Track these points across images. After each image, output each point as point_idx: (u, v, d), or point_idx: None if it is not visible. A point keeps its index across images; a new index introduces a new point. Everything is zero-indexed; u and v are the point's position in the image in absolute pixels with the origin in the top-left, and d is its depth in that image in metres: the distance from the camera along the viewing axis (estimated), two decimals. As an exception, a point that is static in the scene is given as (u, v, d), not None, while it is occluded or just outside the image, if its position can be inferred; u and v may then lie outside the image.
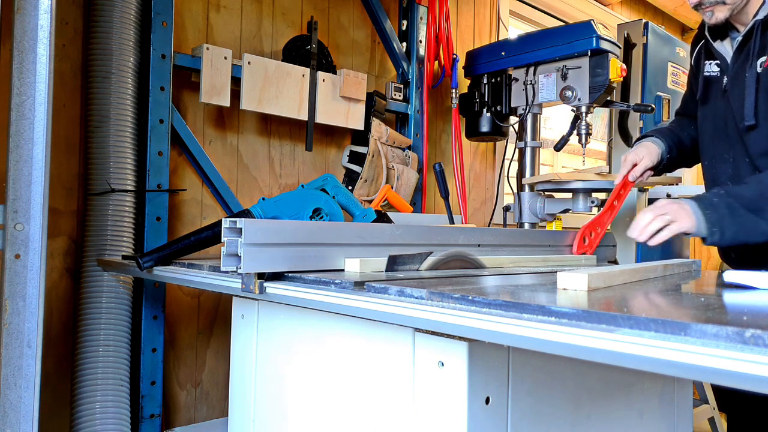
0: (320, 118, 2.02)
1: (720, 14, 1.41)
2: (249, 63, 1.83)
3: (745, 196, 1.23)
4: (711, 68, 1.52)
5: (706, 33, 1.51)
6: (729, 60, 1.46)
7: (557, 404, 0.94)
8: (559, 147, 2.06)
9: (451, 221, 1.81)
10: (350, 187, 2.14)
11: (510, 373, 0.85)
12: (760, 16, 1.38)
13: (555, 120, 3.56)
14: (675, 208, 1.24)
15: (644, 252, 2.15)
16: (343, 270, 1.07)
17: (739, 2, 1.40)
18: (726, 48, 1.49)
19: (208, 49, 1.75)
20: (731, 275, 0.92)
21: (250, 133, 2.00)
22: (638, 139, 1.69)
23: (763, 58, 1.36)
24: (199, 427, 1.82)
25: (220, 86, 1.78)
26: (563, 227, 2.09)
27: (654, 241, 1.24)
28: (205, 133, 1.88)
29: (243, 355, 1.19)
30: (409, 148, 2.31)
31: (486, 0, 2.89)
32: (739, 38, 1.42)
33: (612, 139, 2.54)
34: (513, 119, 2.28)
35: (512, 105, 2.23)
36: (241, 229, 0.94)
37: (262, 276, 0.97)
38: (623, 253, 2.08)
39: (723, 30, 1.49)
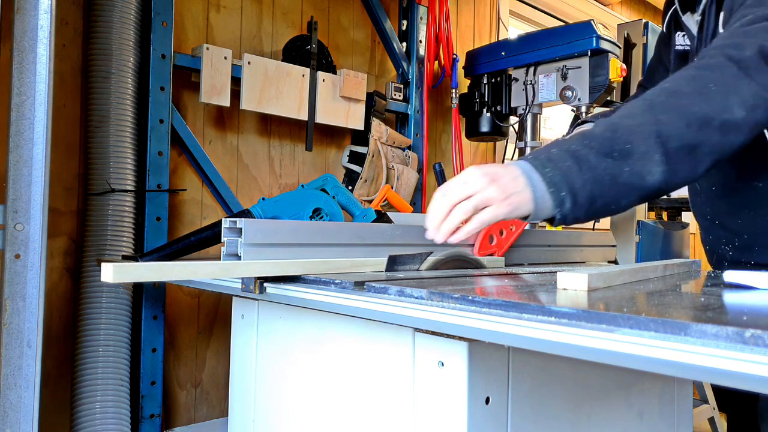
0: (320, 118, 2.02)
1: None
2: (249, 63, 1.83)
3: (596, 134, 0.86)
4: (681, 41, 1.35)
5: (677, 3, 1.34)
6: (695, 37, 1.29)
7: (557, 404, 0.94)
8: (558, 147, 2.05)
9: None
10: (350, 187, 2.14)
11: (510, 374, 0.85)
12: None
13: (555, 120, 3.56)
14: (486, 183, 0.83)
15: (644, 252, 2.15)
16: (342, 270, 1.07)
17: None
18: (695, 21, 1.32)
19: (208, 49, 1.75)
20: (731, 275, 0.92)
21: (250, 133, 2.00)
22: (577, 125, 1.49)
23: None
24: (199, 427, 1.82)
25: (220, 86, 1.78)
26: (563, 227, 2.09)
27: (456, 238, 0.86)
28: (205, 133, 1.88)
29: (243, 355, 1.18)
30: (409, 148, 2.31)
31: (486, 0, 2.89)
32: (698, 18, 1.26)
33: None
34: (513, 119, 2.28)
35: (512, 105, 2.23)
36: (241, 229, 0.94)
37: (261, 276, 0.97)
38: (623, 253, 2.08)
39: (691, 2, 1.30)
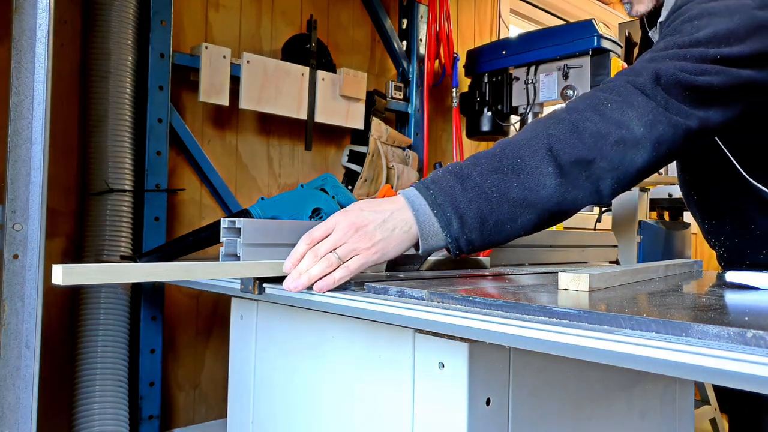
0: (320, 118, 2.01)
1: (641, 6, 1.20)
2: (248, 62, 1.83)
3: (485, 152, 0.84)
4: None
5: (644, 18, 1.30)
6: None
7: (558, 405, 0.93)
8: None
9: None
10: (350, 187, 2.14)
11: (511, 375, 0.85)
12: (662, 17, 1.16)
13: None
14: (350, 233, 0.80)
15: (646, 252, 2.14)
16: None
17: None
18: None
19: (207, 48, 1.75)
20: (733, 275, 0.91)
21: (249, 132, 1.99)
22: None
23: None
24: (198, 428, 1.82)
25: (219, 85, 1.78)
26: (564, 227, 2.08)
27: (323, 288, 0.81)
28: (203, 133, 1.88)
29: (242, 356, 1.18)
30: (409, 147, 2.31)
31: (486, -1, 2.89)
32: (656, 37, 1.23)
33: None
34: (514, 118, 2.27)
35: (513, 104, 2.22)
36: (239, 229, 0.93)
37: (260, 276, 0.97)
38: (625, 253, 2.07)
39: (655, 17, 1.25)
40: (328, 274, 0.81)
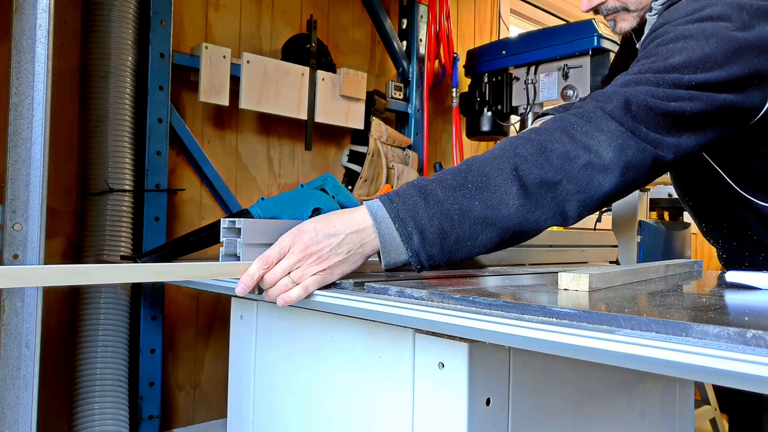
0: (320, 118, 2.01)
1: (625, 24, 1.15)
2: (248, 62, 1.83)
3: (452, 169, 0.85)
4: None
5: (633, 35, 1.27)
6: None
7: (558, 405, 0.93)
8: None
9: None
10: (350, 187, 2.14)
11: (511, 375, 0.85)
12: (644, 35, 1.12)
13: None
14: (302, 256, 0.81)
15: (646, 252, 2.14)
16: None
17: (647, 7, 1.11)
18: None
19: (207, 48, 1.75)
20: (733, 275, 0.91)
21: (249, 132, 1.99)
22: (538, 117, 1.43)
23: None
24: (198, 428, 1.82)
25: (219, 85, 1.78)
26: (564, 227, 2.08)
27: (283, 303, 0.83)
28: (203, 133, 1.88)
29: (242, 356, 1.18)
30: (409, 147, 2.31)
31: (486, -1, 2.89)
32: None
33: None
34: (514, 118, 2.27)
35: (513, 104, 2.22)
36: (239, 229, 0.93)
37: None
38: (625, 253, 2.07)
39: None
40: (285, 292, 0.83)
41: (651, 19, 1.11)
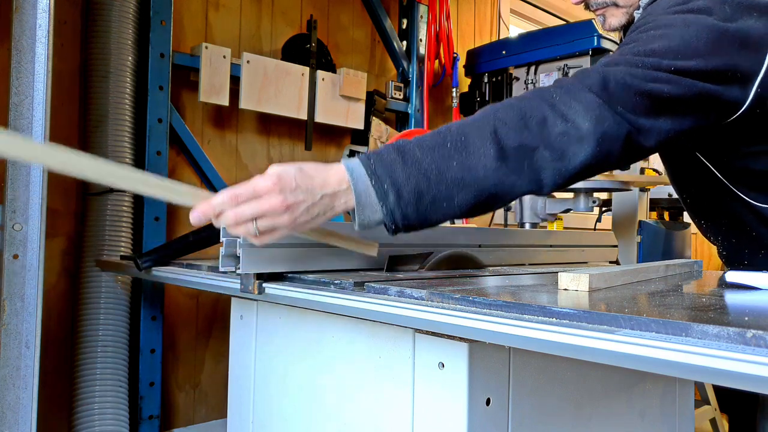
0: (320, 118, 2.01)
1: (614, 20, 1.16)
2: (248, 62, 1.83)
3: (426, 135, 0.86)
4: None
5: (621, 33, 1.27)
6: None
7: (558, 405, 0.93)
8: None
9: (452, 221, 1.81)
10: (350, 187, 2.13)
11: (511, 375, 0.85)
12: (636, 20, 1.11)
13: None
14: (283, 206, 0.78)
15: (646, 252, 2.14)
16: (342, 270, 1.06)
17: (636, 5, 1.12)
18: None
19: (207, 48, 1.75)
20: (733, 275, 0.91)
21: (249, 132, 1.99)
22: None
23: None
24: (198, 428, 1.82)
25: (219, 85, 1.78)
26: (564, 227, 2.08)
27: (259, 240, 0.80)
28: (203, 133, 1.88)
29: (242, 356, 1.18)
30: (409, 147, 2.31)
31: (486, -1, 2.89)
32: None
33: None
34: (513, 118, 2.27)
35: (513, 104, 2.22)
36: (239, 229, 0.93)
37: (260, 276, 0.97)
38: (625, 253, 2.07)
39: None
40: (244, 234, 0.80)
41: (638, 15, 1.11)
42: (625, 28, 1.19)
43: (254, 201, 0.77)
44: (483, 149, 0.81)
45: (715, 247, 1.34)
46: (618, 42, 2.00)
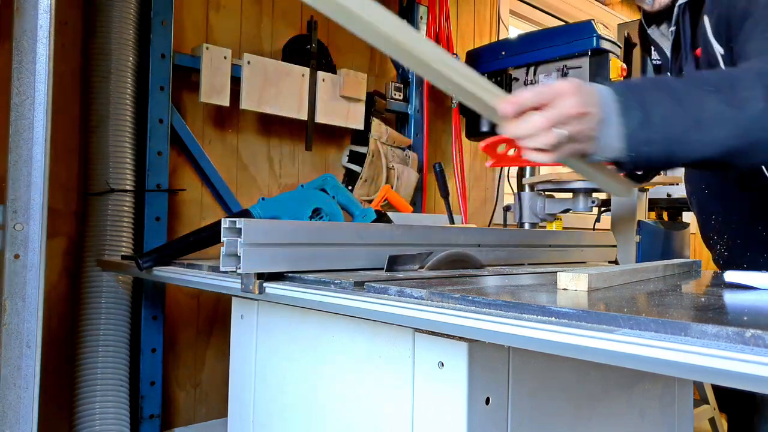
0: (320, 118, 2.02)
1: None
2: (249, 63, 1.83)
3: (691, 74, 0.79)
4: (654, 56, 1.25)
5: (642, 19, 1.25)
6: (668, 53, 1.19)
7: (558, 405, 0.93)
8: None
9: (451, 221, 1.81)
10: (350, 187, 2.14)
11: (510, 374, 0.85)
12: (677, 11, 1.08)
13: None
14: (581, 114, 0.72)
15: (645, 252, 2.14)
16: (341, 270, 1.07)
17: None
18: (666, 36, 1.21)
19: (207, 48, 1.75)
20: (732, 275, 0.92)
21: (250, 133, 1.99)
22: None
23: (697, 49, 1.07)
24: (199, 427, 1.82)
25: (219, 86, 1.78)
26: (564, 227, 2.09)
27: (536, 158, 0.76)
28: (204, 133, 1.88)
29: (242, 356, 1.18)
30: (409, 147, 2.31)
31: (486, 0, 2.89)
32: (673, 29, 1.14)
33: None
34: (513, 119, 2.27)
35: (512, 105, 2.22)
36: (240, 229, 0.93)
37: (261, 276, 0.97)
38: (624, 253, 2.08)
39: (660, 15, 1.18)
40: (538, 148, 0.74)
41: None
42: (654, 14, 1.15)
43: (558, 101, 0.72)
44: (751, 89, 0.73)
45: (714, 249, 1.34)
46: (617, 43, 2.00)
